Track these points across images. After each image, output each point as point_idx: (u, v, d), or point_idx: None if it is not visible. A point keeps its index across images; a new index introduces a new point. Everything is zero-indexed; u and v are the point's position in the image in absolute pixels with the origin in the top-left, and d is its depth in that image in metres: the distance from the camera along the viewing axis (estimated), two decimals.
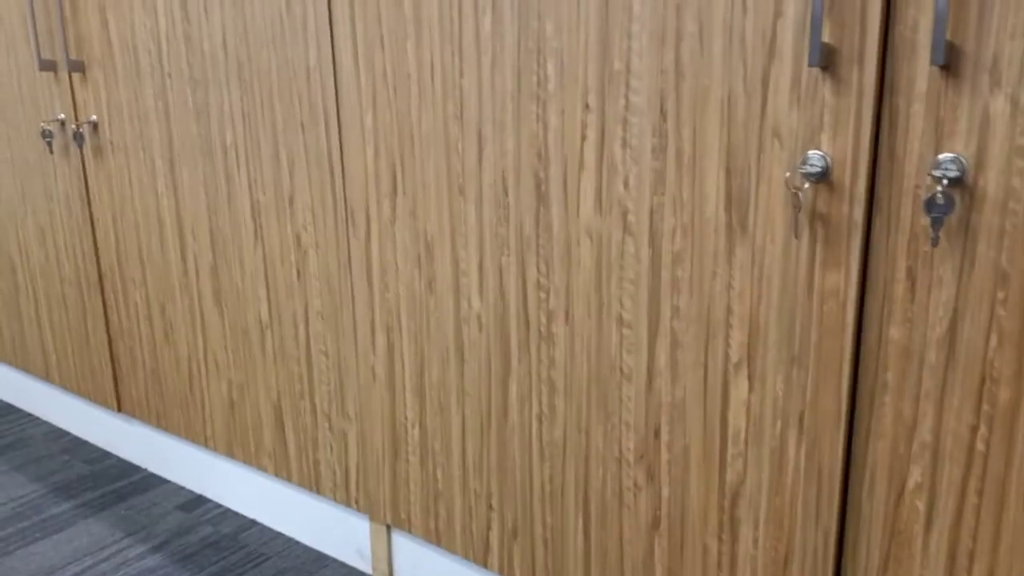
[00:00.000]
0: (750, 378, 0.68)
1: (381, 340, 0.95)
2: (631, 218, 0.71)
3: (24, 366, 1.54)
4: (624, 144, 0.70)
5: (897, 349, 0.61)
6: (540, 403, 0.82)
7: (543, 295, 0.79)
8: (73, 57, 1.19)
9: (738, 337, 0.68)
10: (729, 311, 0.67)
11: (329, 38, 0.89)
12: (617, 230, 0.72)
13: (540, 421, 0.83)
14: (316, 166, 0.95)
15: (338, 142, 0.92)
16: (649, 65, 0.67)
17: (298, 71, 0.93)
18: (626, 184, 0.71)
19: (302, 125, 0.95)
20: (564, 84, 0.72)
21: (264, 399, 1.12)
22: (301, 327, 1.04)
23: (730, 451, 0.71)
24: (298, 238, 1.00)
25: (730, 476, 0.72)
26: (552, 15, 0.71)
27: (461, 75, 0.79)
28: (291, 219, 1.00)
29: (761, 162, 0.63)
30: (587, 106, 0.71)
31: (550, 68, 0.73)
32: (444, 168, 0.83)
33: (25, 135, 1.33)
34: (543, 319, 0.80)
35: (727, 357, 0.69)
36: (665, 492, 0.76)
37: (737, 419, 0.70)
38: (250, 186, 1.03)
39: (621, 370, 0.76)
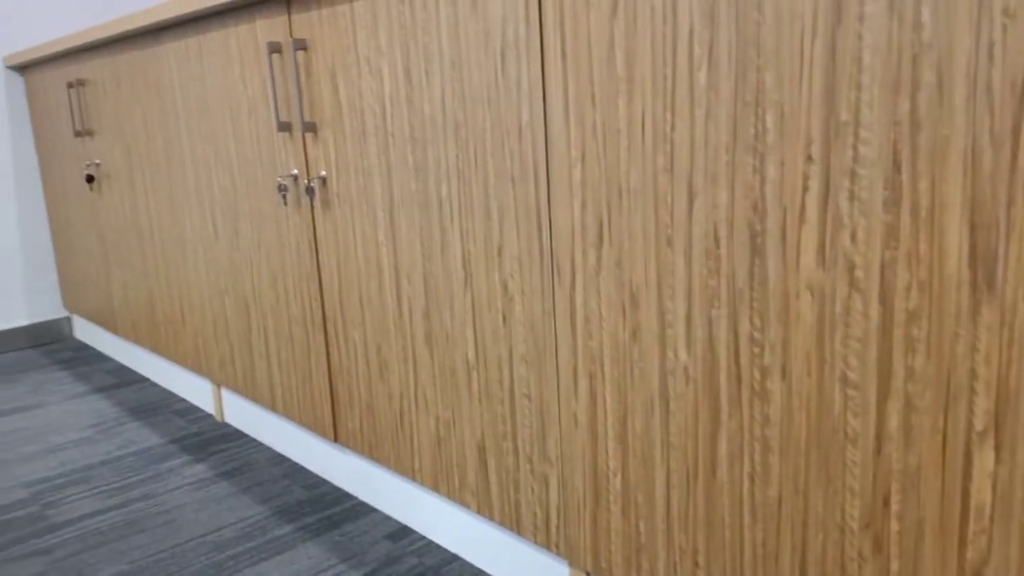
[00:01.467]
0: (997, 448, 0.62)
1: (583, 386, 0.97)
2: (858, 273, 0.68)
3: (253, 396, 1.70)
4: (851, 196, 0.67)
5: None
6: (752, 461, 0.80)
7: (757, 350, 0.77)
8: (307, 119, 1.31)
9: (983, 403, 0.62)
10: (973, 375, 0.62)
11: (541, 97, 0.93)
12: (843, 285, 0.69)
13: (752, 480, 0.80)
14: (524, 218, 0.99)
15: (546, 195, 0.95)
16: (880, 116, 0.64)
17: (511, 129, 0.98)
18: (853, 238, 0.68)
19: (512, 180, 0.99)
20: (784, 135, 0.71)
21: (469, 437, 1.16)
22: (505, 370, 1.07)
23: (972, 527, 0.65)
24: (505, 286, 1.04)
25: (971, 554, 0.66)
26: (772, 68, 0.71)
27: (672, 128, 0.80)
28: (499, 268, 1.05)
29: (1011, 216, 0.58)
30: (810, 157, 0.69)
31: (769, 120, 0.72)
32: (652, 220, 0.84)
33: (262, 189, 1.48)
34: (756, 375, 0.77)
35: (970, 425, 0.63)
36: (895, 566, 0.71)
37: (981, 492, 0.64)
38: (462, 237, 1.09)
39: (845, 432, 0.72)
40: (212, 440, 1.80)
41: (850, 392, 0.71)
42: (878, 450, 0.70)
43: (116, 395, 2.14)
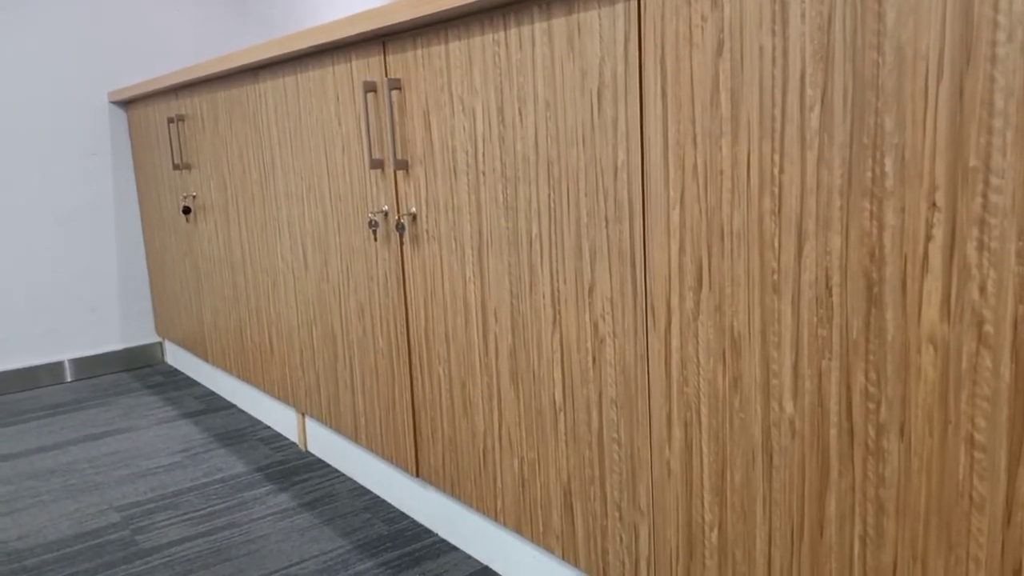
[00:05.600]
0: None
1: (678, 434, 0.93)
2: (988, 328, 0.63)
3: (336, 426, 1.72)
4: (981, 247, 0.63)
5: None
6: (865, 523, 0.75)
7: (872, 405, 0.73)
8: (399, 156, 1.33)
9: None
10: None
11: (639, 138, 0.91)
12: (970, 340, 0.65)
13: (864, 543, 0.76)
14: (618, 259, 0.97)
15: (642, 236, 0.93)
16: (1014, 162, 0.60)
17: (605, 168, 0.97)
18: (982, 290, 0.63)
19: (606, 219, 0.98)
20: (905, 181, 0.67)
21: (554, 480, 1.14)
22: (594, 413, 1.05)
23: None
24: (595, 327, 1.02)
25: None
26: (892, 111, 0.67)
27: (781, 171, 0.77)
28: (589, 308, 1.03)
29: None
30: (934, 204, 0.66)
31: (888, 164, 0.68)
32: (757, 264, 0.81)
33: (353, 223, 1.51)
34: (871, 431, 0.73)
35: None
36: None
37: None
38: (552, 275, 1.08)
39: (970, 497, 0.67)
40: (296, 469, 1.82)
41: (977, 455, 0.66)
42: (1008, 519, 0.65)
43: (204, 421, 2.19)
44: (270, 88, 1.72)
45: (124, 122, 2.69)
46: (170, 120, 2.27)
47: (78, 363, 2.69)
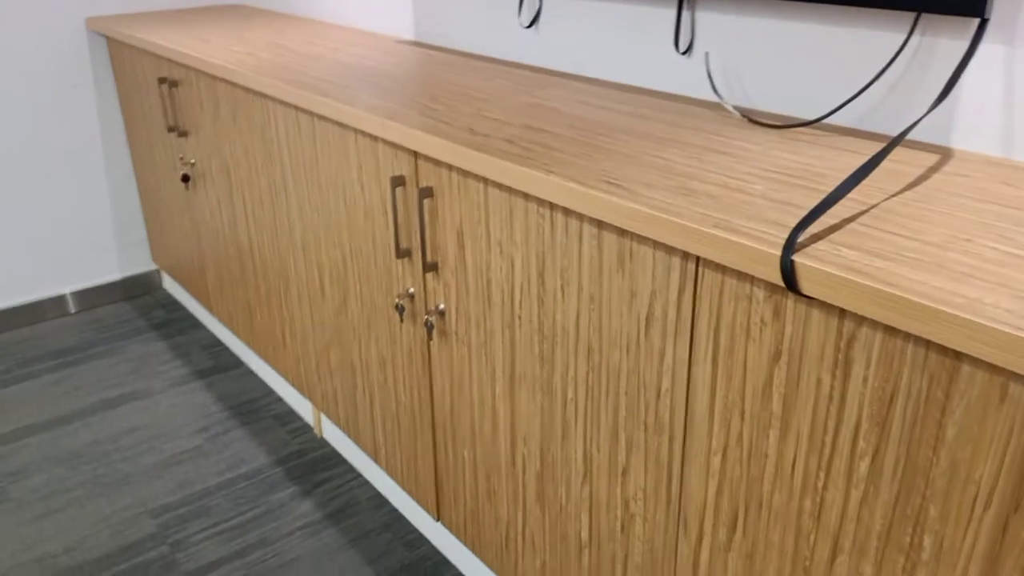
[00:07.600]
0: None
1: None
2: None
3: (355, 438, 1.82)
4: None
5: None
6: None
7: None
8: (429, 259, 1.33)
9: None
10: None
11: (685, 380, 0.95)
12: None
13: None
14: (654, 461, 1.04)
15: (680, 458, 0.99)
16: None
17: (648, 384, 1.00)
18: None
19: (645, 425, 1.03)
20: (940, 563, 0.74)
21: None
22: (619, 568, 1.16)
23: None
24: (626, 504, 1.11)
25: None
26: (938, 504, 0.73)
27: (824, 487, 0.83)
28: (621, 486, 1.10)
29: None
30: None
31: (926, 542, 0.75)
32: (791, 544, 0.88)
33: (376, 285, 1.51)
34: None
35: None
36: None
37: None
38: (585, 438, 1.14)
39: None
40: (314, 464, 1.94)
41: None
42: None
43: (216, 385, 2.28)
44: (280, 111, 1.64)
45: (106, 53, 2.52)
46: (161, 80, 2.14)
47: (79, 295, 2.72)
